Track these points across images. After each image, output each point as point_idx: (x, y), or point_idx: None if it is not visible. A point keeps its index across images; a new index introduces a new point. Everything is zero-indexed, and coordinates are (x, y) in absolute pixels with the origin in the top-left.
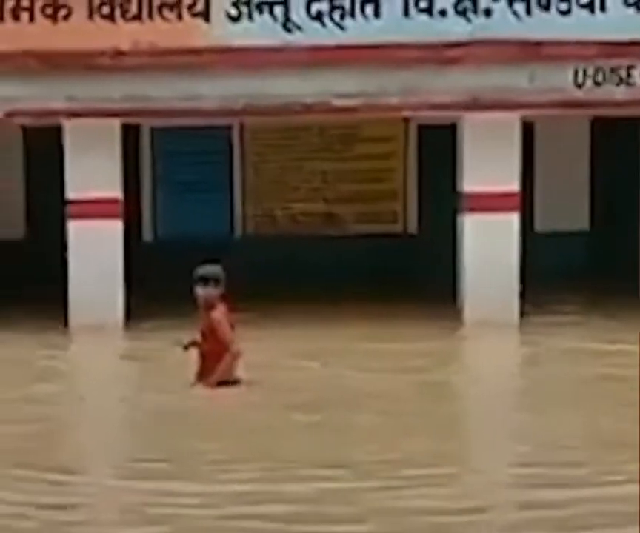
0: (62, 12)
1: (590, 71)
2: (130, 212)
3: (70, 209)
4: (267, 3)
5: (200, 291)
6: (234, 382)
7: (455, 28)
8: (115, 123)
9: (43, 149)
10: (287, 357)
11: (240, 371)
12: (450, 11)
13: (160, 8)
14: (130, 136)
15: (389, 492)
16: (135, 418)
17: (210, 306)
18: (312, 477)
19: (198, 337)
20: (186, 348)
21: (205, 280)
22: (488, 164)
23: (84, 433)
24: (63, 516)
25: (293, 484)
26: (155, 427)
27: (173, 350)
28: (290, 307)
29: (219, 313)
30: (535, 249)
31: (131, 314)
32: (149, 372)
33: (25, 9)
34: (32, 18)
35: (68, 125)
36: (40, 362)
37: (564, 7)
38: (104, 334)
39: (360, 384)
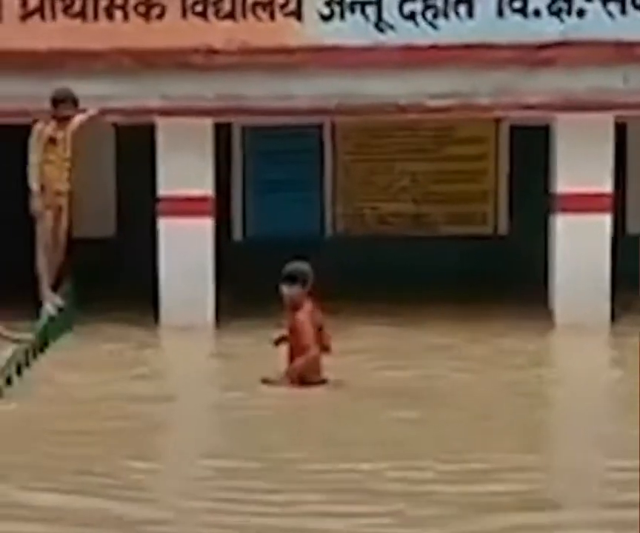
0: (156, 10)
1: None
2: (220, 210)
3: (161, 206)
4: (359, 2)
5: (285, 290)
6: (320, 382)
7: (548, 29)
8: (208, 122)
9: (134, 147)
10: (377, 357)
11: (328, 372)
12: (544, 11)
13: (253, 6)
14: (222, 134)
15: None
16: (226, 419)
17: (295, 306)
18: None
19: (286, 334)
20: (276, 344)
21: (292, 279)
22: (581, 165)
23: (175, 432)
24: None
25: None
26: (245, 428)
27: (264, 348)
28: (379, 307)
29: (303, 314)
30: (627, 250)
31: (220, 313)
32: (239, 371)
33: (119, 7)
34: (125, 17)
35: (161, 123)
36: (131, 360)
37: None
38: (195, 333)
39: (451, 384)
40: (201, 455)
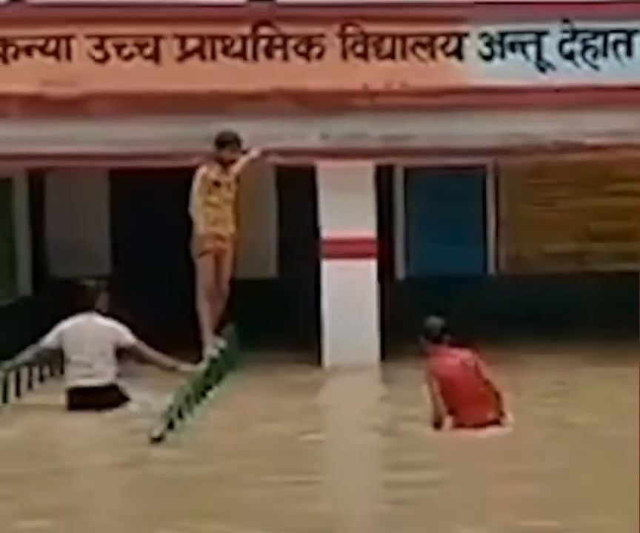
0: (315, 50)
1: None
2: (383, 250)
3: (324, 248)
4: (519, 42)
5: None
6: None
7: None
8: (369, 164)
9: (295, 188)
10: (539, 396)
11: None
12: None
13: (413, 47)
14: (384, 175)
15: None
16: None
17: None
18: None
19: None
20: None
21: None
22: None
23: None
24: None
25: None
26: None
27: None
28: (545, 346)
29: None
30: None
31: (386, 353)
32: (410, 418)
33: (278, 47)
34: (285, 57)
35: (322, 165)
36: (295, 401)
37: None
38: (360, 374)
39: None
40: None
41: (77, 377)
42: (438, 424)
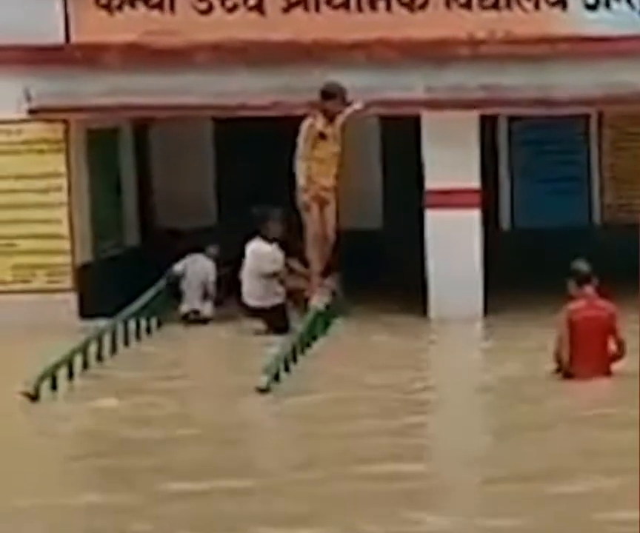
0: (419, 1)
1: None
2: (487, 201)
3: (428, 199)
4: None
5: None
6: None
7: None
8: (474, 114)
9: (399, 139)
10: None
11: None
12: None
13: None
14: (488, 125)
15: None
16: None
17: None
18: None
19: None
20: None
21: (579, 277)
22: None
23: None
24: None
25: None
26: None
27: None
28: None
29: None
30: None
31: (489, 305)
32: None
33: None
34: (388, 7)
35: (426, 116)
36: (404, 354)
37: None
38: (464, 326)
39: None
40: None
41: None
42: (558, 369)
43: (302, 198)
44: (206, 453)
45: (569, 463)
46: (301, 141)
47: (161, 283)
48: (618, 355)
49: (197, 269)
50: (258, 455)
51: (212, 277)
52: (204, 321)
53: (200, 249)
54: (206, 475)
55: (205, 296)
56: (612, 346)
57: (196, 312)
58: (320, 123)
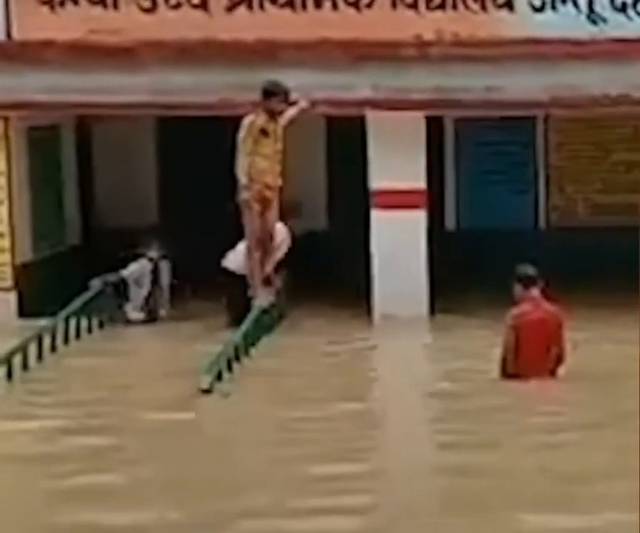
0: (365, 0)
1: None
2: (433, 201)
3: (374, 199)
4: None
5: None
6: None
7: None
8: (420, 115)
9: (345, 139)
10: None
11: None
12: None
13: None
14: (434, 126)
15: None
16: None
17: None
18: None
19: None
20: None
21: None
22: None
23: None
24: None
25: None
26: None
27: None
28: (597, 299)
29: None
30: None
31: (435, 304)
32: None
33: None
34: (335, 7)
35: (372, 116)
36: (345, 354)
37: None
38: (409, 326)
39: None
40: None
41: None
42: (503, 371)
43: (243, 195)
44: None
45: None
46: (241, 137)
47: (95, 284)
48: (561, 360)
49: (145, 271)
50: None
51: (166, 279)
52: (152, 321)
53: (142, 247)
54: None
55: (149, 297)
56: (554, 350)
57: (147, 313)
58: (261, 119)
